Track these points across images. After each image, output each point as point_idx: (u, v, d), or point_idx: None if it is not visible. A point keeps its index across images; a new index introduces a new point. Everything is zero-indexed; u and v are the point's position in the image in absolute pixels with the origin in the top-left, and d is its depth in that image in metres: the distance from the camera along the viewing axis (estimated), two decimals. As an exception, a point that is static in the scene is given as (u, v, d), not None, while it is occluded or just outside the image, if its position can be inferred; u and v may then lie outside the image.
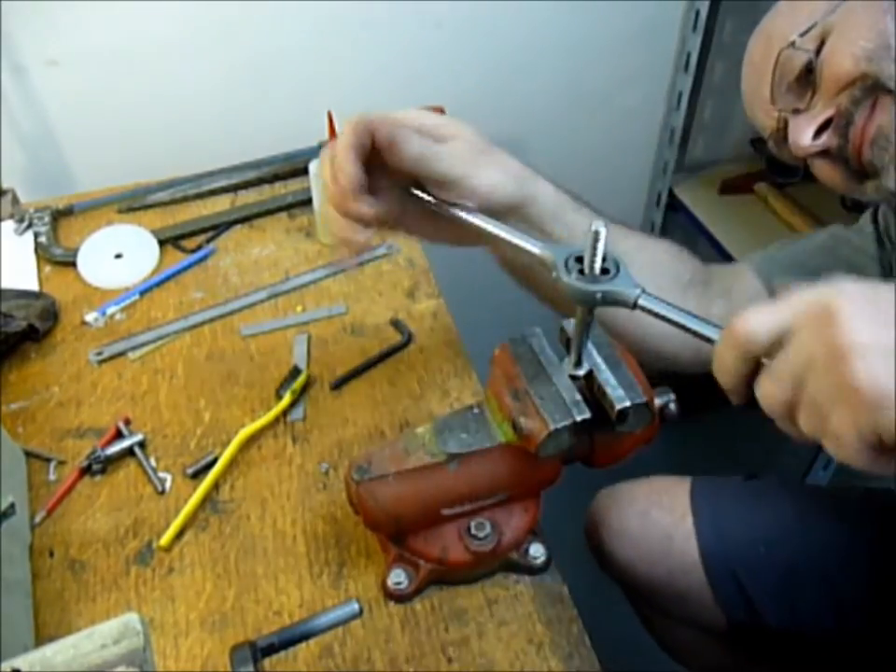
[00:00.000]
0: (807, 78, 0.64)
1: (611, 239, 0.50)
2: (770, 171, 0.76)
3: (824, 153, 0.65)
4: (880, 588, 0.77)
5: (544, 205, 0.66)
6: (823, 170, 0.67)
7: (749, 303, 0.44)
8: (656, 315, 0.49)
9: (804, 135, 0.64)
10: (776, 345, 0.42)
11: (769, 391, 0.42)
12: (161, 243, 0.98)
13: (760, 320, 0.42)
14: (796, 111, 0.65)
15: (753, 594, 0.81)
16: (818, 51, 0.62)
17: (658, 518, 0.86)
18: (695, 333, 0.47)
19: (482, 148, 0.63)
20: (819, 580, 0.80)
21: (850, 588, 0.80)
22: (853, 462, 0.39)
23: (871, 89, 0.60)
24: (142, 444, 0.75)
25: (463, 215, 0.61)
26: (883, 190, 0.64)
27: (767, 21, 0.69)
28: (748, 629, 0.84)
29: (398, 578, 0.62)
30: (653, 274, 0.52)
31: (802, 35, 0.63)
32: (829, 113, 0.63)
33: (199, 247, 0.98)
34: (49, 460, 0.74)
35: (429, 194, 0.62)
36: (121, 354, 0.85)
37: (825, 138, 0.64)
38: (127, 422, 0.77)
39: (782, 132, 0.67)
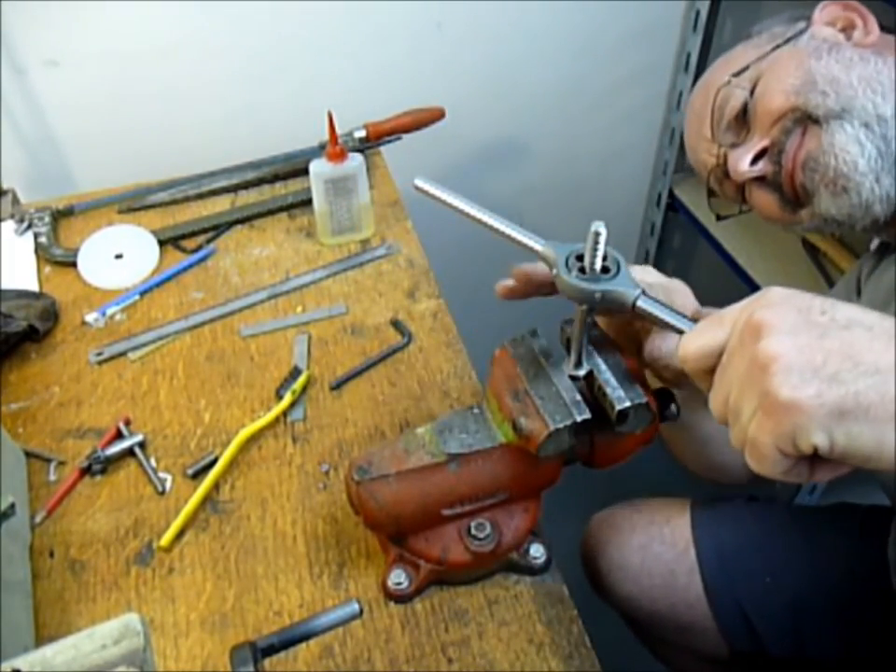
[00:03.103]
0: (744, 118, 0.71)
1: None
2: (709, 206, 0.81)
3: (760, 180, 0.71)
4: (889, 609, 0.76)
5: None
6: (760, 198, 0.73)
7: None
8: (652, 317, 0.49)
9: (742, 162, 0.70)
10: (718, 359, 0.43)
11: (712, 401, 0.43)
12: (161, 243, 0.98)
13: (694, 343, 0.44)
14: (734, 146, 0.72)
15: (758, 625, 0.81)
16: (752, 92, 0.70)
17: (660, 552, 0.85)
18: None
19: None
20: (826, 606, 0.79)
21: (859, 612, 0.79)
22: (769, 473, 0.40)
23: (800, 119, 0.67)
24: (142, 445, 0.75)
25: (468, 209, 0.61)
26: (817, 216, 0.69)
27: (706, 74, 0.77)
28: (751, 657, 0.83)
29: (398, 578, 0.62)
30: None
31: (736, 74, 0.71)
32: (764, 143, 0.69)
33: (199, 248, 0.98)
34: (49, 460, 0.74)
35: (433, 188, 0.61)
36: (121, 354, 0.85)
37: (761, 165, 0.70)
38: (127, 422, 0.77)
39: (722, 166, 0.74)
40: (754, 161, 0.70)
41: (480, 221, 0.60)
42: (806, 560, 0.82)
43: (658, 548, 0.85)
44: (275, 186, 1.07)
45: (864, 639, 0.79)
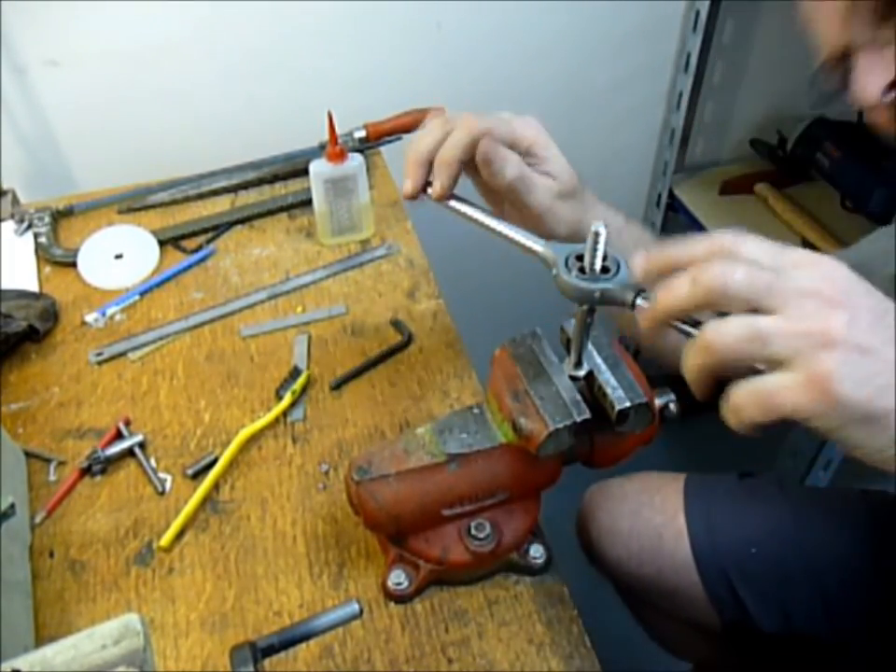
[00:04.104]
0: (890, 8, 0.48)
1: None
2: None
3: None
4: (873, 590, 0.77)
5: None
6: (885, 120, 0.56)
7: None
8: None
9: (873, 86, 0.51)
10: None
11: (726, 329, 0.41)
12: (162, 243, 0.98)
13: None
14: (866, 44, 0.51)
15: (745, 596, 0.81)
16: None
17: (649, 517, 0.86)
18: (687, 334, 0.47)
19: (569, 190, 0.64)
20: (810, 582, 0.80)
21: (842, 590, 0.79)
22: (745, 421, 0.41)
23: None
24: (142, 445, 0.75)
25: (466, 210, 0.61)
26: None
27: None
28: (742, 629, 0.83)
29: (398, 578, 0.62)
30: None
31: None
32: None
33: (199, 248, 0.98)
34: (49, 461, 0.74)
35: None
36: (121, 354, 0.85)
37: None
38: (127, 422, 0.77)
39: (842, 62, 0.53)
40: (892, 86, 0.51)
41: (478, 222, 0.60)
42: (793, 535, 0.82)
43: (647, 513, 0.86)
44: (275, 186, 1.07)
45: (851, 617, 0.79)
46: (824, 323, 0.39)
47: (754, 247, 0.43)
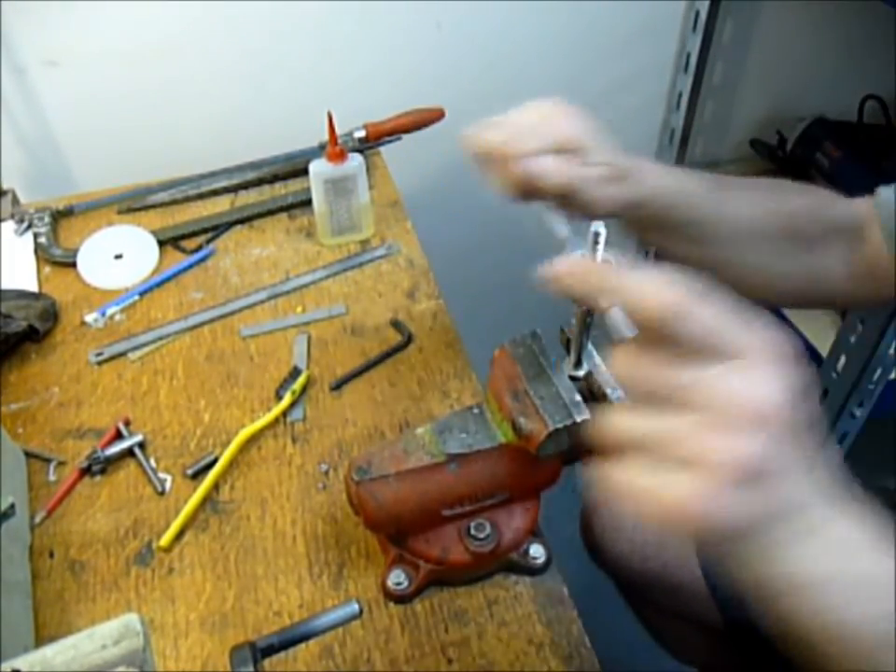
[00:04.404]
0: None
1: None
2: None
3: None
4: None
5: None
6: None
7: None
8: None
9: None
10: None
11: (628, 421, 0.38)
12: (161, 243, 0.98)
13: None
14: None
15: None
16: None
17: None
18: None
19: (621, 172, 0.63)
20: None
21: None
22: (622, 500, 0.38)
23: None
24: (142, 445, 0.75)
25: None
26: None
27: None
28: (743, 628, 0.84)
29: (397, 578, 0.62)
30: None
31: None
32: None
33: (199, 248, 0.98)
34: (49, 461, 0.74)
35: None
36: (121, 354, 0.85)
37: None
38: (127, 422, 0.77)
39: None
40: None
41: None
42: None
43: None
44: (275, 186, 1.07)
45: None
46: (707, 448, 0.35)
47: (705, 323, 0.36)
